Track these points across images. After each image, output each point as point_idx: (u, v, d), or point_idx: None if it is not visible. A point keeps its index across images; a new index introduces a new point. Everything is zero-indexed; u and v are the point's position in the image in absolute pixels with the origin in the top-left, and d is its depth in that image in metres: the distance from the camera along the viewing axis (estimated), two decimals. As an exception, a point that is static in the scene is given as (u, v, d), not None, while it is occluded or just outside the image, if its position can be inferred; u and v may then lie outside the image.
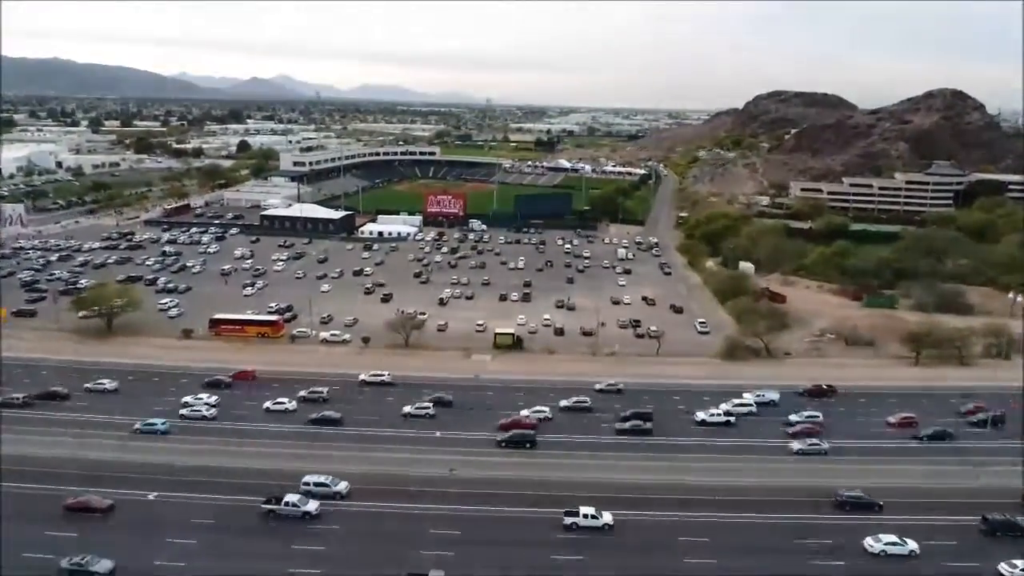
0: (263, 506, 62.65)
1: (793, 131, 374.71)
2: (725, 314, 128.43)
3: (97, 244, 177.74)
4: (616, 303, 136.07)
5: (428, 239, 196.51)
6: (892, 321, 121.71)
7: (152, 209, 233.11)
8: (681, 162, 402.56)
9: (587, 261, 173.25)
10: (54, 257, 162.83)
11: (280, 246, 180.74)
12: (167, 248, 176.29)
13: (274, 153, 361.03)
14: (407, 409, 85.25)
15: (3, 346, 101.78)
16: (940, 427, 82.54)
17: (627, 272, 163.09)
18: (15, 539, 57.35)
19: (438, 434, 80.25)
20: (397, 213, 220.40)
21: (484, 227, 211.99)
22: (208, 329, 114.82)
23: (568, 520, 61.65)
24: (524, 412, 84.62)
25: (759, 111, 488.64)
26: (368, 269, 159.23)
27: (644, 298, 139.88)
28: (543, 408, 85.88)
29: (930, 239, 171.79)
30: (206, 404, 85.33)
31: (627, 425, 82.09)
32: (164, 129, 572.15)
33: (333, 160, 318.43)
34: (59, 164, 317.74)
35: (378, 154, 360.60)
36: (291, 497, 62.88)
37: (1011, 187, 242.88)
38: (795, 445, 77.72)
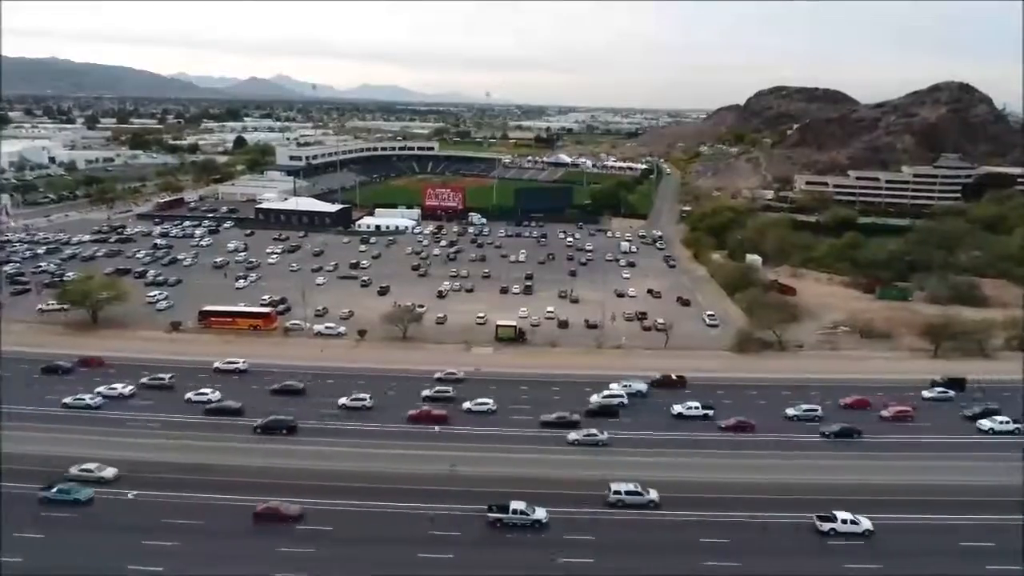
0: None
1: (796, 126, 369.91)
2: (733, 307, 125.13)
3: (87, 237, 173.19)
4: (620, 296, 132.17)
5: (426, 233, 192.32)
6: (907, 314, 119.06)
7: (145, 203, 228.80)
8: (683, 158, 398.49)
9: (590, 254, 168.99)
10: (41, 250, 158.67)
11: (275, 239, 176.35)
12: (158, 241, 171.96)
13: (271, 149, 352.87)
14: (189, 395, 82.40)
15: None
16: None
17: (631, 265, 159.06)
18: None
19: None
20: (395, 207, 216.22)
21: (484, 221, 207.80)
22: (198, 322, 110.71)
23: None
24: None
25: (761, 107, 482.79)
26: (365, 262, 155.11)
27: (649, 291, 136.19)
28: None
29: (942, 231, 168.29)
30: None
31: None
32: (161, 126, 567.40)
33: (330, 155, 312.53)
34: (52, 159, 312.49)
35: (376, 150, 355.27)
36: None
37: (1020, 180, 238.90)
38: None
